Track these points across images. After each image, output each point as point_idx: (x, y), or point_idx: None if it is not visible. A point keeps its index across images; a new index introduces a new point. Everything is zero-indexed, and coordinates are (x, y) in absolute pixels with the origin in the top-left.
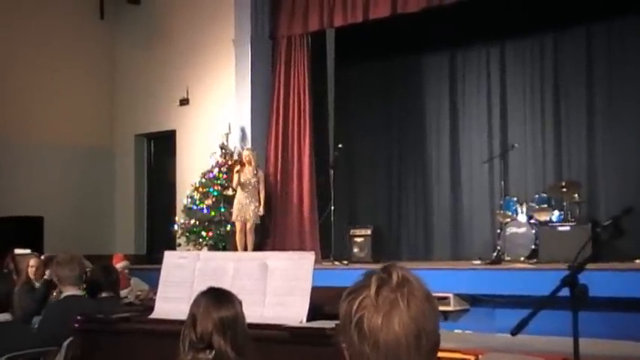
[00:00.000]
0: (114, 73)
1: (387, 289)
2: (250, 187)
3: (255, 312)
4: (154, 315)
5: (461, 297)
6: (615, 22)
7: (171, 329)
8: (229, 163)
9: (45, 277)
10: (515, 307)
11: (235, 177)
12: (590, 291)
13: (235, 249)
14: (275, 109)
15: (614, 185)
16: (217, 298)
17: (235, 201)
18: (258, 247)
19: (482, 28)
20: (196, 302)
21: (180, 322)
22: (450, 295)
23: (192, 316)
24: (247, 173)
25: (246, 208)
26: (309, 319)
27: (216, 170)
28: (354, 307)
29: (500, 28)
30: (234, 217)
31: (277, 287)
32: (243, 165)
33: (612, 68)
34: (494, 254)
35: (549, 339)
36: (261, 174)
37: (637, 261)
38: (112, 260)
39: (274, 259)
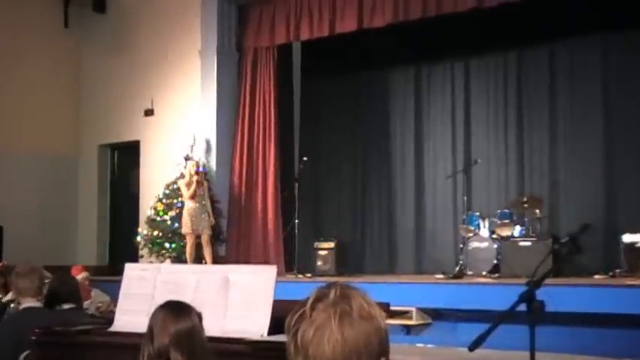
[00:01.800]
0: (79, 82)
1: (322, 305)
2: (200, 198)
3: (216, 325)
4: (114, 328)
5: (423, 311)
6: (576, 41)
7: (130, 342)
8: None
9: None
10: (477, 322)
11: (192, 187)
12: (550, 306)
13: (199, 261)
14: (240, 121)
15: (574, 201)
16: (175, 311)
17: (185, 213)
18: (221, 259)
19: (447, 44)
20: (154, 315)
21: (140, 335)
22: (413, 309)
23: (150, 329)
24: (197, 184)
25: (198, 219)
26: (270, 333)
27: (180, 182)
28: (293, 319)
29: (464, 45)
30: (185, 230)
31: (239, 300)
32: (197, 175)
33: (573, 86)
34: (457, 269)
35: (508, 353)
36: (206, 184)
37: (596, 276)
38: (71, 271)
39: (236, 272)
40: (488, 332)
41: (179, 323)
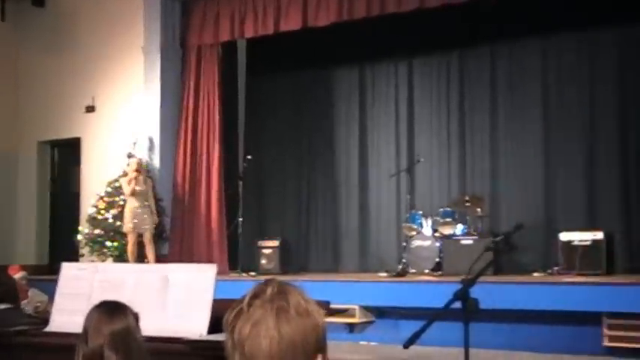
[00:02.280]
0: (17, 77)
1: (259, 301)
2: (142, 196)
3: (155, 325)
4: (50, 328)
5: (366, 309)
6: (516, 43)
7: (66, 343)
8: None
9: None
10: (419, 319)
11: (132, 184)
12: (490, 303)
13: (141, 260)
14: (184, 118)
15: (515, 200)
16: (110, 311)
17: (127, 211)
18: (164, 258)
19: (391, 43)
20: (88, 316)
21: (76, 336)
22: (356, 307)
23: (85, 330)
24: (139, 182)
25: (141, 218)
26: (210, 332)
27: (122, 180)
28: (231, 316)
29: (408, 44)
30: (127, 229)
31: (178, 300)
32: (138, 172)
33: (513, 87)
34: (400, 267)
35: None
36: (149, 182)
37: (535, 274)
38: (8, 271)
39: (175, 271)
40: (423, 330)
41: (114, 324)
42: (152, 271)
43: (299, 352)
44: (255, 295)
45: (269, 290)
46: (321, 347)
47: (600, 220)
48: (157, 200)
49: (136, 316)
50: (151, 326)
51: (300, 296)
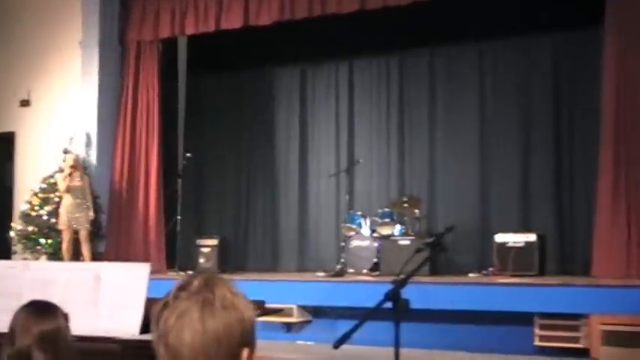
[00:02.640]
0: None
1: (185, 293)
2: (78, 193)
3: (86, 324)
4: None
5: (304, 308)
6: (454, 46)
7: None
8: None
9: None
10: (356, 319)
11: (67, 180)
12: (425, 303)
13: (76, 257)
14: (123, 115)
15: (452, 202)
16: (38, 311)
17: (62, 208)
18: (100, 256)
19: (332, 43)
20: (15, 316)
21: (2, 335)
22: (293, 307)
23: (11, 330)
24: (75, 177)
25: (77, 215)
26: (143, 332)
27: (57, 176)
28: (158, 308)
29: (349, 45)
30: (62, 226)
31: (110, 299)
32: (75, 168)
33: (451, 89)
34: (338, 267)
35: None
36: (86, 178)
37: (470, 275)
38: None
39: (108, 269)
40: (353, 330)
41: (43, 324)
42: (84, 269)
43: (223, 346)
44: (182, 287)
45: (195, 282)
46: (247, 341)
47: (534, 222)
48: (94, 197)
49: (66, 317)
50: (82, 326)
51: (227, 289)
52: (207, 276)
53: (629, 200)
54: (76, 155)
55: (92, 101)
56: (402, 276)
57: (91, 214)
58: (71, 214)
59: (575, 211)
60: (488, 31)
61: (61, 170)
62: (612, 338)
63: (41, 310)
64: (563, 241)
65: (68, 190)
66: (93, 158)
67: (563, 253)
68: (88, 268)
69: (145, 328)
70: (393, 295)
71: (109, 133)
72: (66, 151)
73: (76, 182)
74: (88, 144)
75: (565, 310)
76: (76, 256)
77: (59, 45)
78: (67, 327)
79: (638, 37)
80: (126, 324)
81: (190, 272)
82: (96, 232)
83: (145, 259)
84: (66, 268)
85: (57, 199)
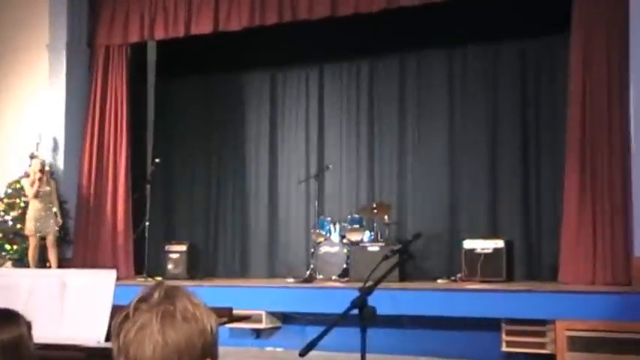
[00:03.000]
0: None
1: (146, 305)
2: (45, 198)
3: (51, 332)
4: None
5: (273, 315)
6: (424, 52)
7: None
8: (34, 172)
9: None
10: (325, 325)
11: (35, 186)
12: (394, 309)
13: (43, 263)
14: (90, 119)
15: (421, 208)
16: (0, 319)
17: (29, 213)
18: (67, 261)
19: (302, 49)
20: None
21: None
22: (262, 313)
23: None
24: (43, 183)
25: (44, 220)
26: (108, 339)
27: (24, 181)
28: (118, 320)
29: (319, 51)
30: (29, 231)
31: (75, 306)
32: (42, 173)
33: (421, 96)
34: (307, 273)
35: (343, 355)
36: (53, 183)
37: (439, 281)
38: None
39: (73, 276)
40: (320, 338)
41: (4, 332)
42: (49, 276)
43: (185, 358)
44: (142, 299)
45: (156, 294)
46: (209, 353)
47: (501, 228)
48: (61, 202)
49: (28, 325)
50: (46, 333)
51: (188, 300)
52: (167, 287)
53: (594, 207)
54: (43, 160)
55: (59, 105)
56: (369, 283)
57: (59, 219)
58: (39, 220)
59: (541, 217)
60: (457, 38)
61: (27, 175)
62: (578, 343)
63: (2, 318)
64: (531, 247)
65: (37, 195)
66: (60, 162)
67: (531, 259)
68: (53, 274)
69: (111, 335)
70: (360, 303)
71: (77, 137)
72: (32, 156)
73: (44, 188)
74: (55, 148)
75: (531, 316)
76: (42, 262)
77: (27, 47)
78: (30, 335)
79: (602, 44)
80: (91, 331)
81: (159, 278)
82: (63, 237)
83: (113, 265)
84: (30, 274)
85: (23, 205)
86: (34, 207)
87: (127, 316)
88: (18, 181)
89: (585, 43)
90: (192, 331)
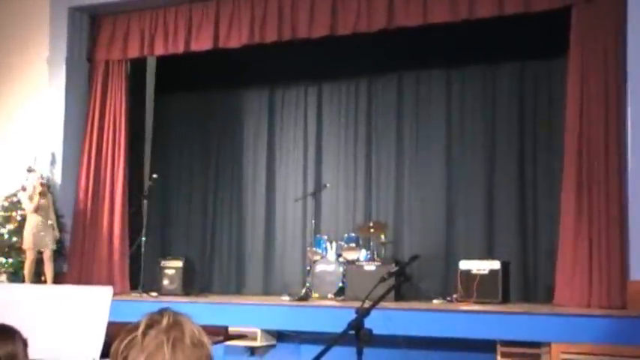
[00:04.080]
0: None
1: (154, 331)
2: (43, 212)
3: (45, 349)
4: None
5: (268, 332)
6: (422, 73)
7: None
8: (33, 187)
9: None
10: (320, 343)
11: (35, 199)
12: (389, 329)
13: (38, 277)
14: (89, 134)
15: (418, 228)
16: None
17: (27, 227)
18: (63, 276)
19: (301, 67)
20: None
21: None
22: (258, 331)
23: None
24: (42, 197)
25: (43, 235)
26: (103, 356)
27: (21, 194)
28: (122, 346)
29: (318, 69)
30: (26, 245)
31: (71, 323)
32: (43, 187)
33: (419, 115)
34: (303, 291)
35: None
36: (50, 197)
37: (435, 301)
38: None
39: (70, 292)
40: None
41: (0, 348)
42: (45, 292)
43: None
44: (150, 325)
45: (165, 321)
46: None
47: (498, 249)
48: (58, 216)
49: (24, 342)
50: (41, 350)
51: (194, 326)
52: (174, 313)
53: (590, 230)
54: (40, 175)
55: (58, 120)
56: (366, 304)
57: (57, 233)
58: (37, 234)
59: (538, 239)
60: (455, 58)
61: (24, 189)
62: None
63: None
64: (527, 268)
65: (37, 209)
66: (57, 177)
67: (527, 281)
68: (48, 291)
69: (106, 352)
70: (356, 325)
71: (75, 151)
72: (30, 170)
73: (41, 201)
74: (53, 162)
75: (527, 338)
76: (37, 276)
77: (26, 62)
78: (25, 352)
79: (600, 66)
80: (86, 349)
81: (154, 294)
82: (59, 251)
83: (109, 280)
84: (26, 290)
85: (19, 218)
86: (33, 221)
87: (133, 342)
88: (15, 195)
89: (582, 65)
90: (201, 356)
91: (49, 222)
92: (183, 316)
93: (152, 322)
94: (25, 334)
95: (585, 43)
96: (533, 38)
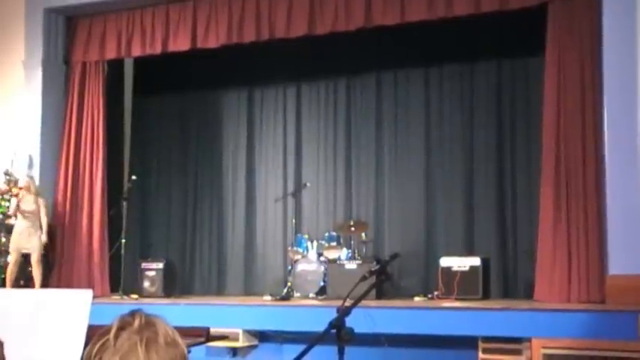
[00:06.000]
0: None
1: (127, 332)
2: (31, 216)
3: (23, 354)
4: None
5: (250, 333)
6: (401, 71)
7: None
8: (12, 190)
9: None
10: (302, 343)
11: (13, 202)
12: (371, 327)
13: (17, 280)
14: (66, 136)
15: (398, 226)
16: None
17: (15, 231)
18: (44, 279)
19: (280, 67)
20: None
21: None
22: (239, 331)
23: None
24: (27, 201)
25: (28, 238)
26: None
27: (12, 199)
28: (95, 349)
29: (297, 69)
30: (12, 248)
31: (50, 326)
32: (28, 190)
33: (398, 114)
34: (285, 290)
35: None
36: (41, 201)
37: (416, 299)
38: None
39: (48, 296)
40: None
41: None
42: (23, 295)
43: None
44: (122, 327)
45: (136, 322)
46: None
47: (478, 246)
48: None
49: (1, 345)
50: (18, 355)
51: (167, 326)
52: (146, 314)
53: (569, 226)
54: (31, 177)
55: (35, 122)
56: (348, 303)
57: (44, 237)
58: (22, 236)
59: (517, 235)
60: (434, 57)
61: (1, 192)
62: None
63: None
64: (507, 265)
65: (16, 213)
66: (35, 180)
67: (507, 277)
68: (27, 294)
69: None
70: (337, 324)
71: (53, 153)
72: (7, 173)
73: (29, 206)
74: (30, 165)
75: (508, 334)
76: (18, 280)
77: (2, 63)
78: (3, 356)
79: (576, 65)
80: (65, 352)
81: (134, 296)
82: (47, 255)
83: (89, 282)
84: (4, 293)
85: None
86: (20, 224)
87: (105, 345)
88: None
89: (559, 63)
90: (175, 355)
91: (38, 226)
92: (155, 316)
93: (124, 324)
94: (2, 337)
95: (562, 40)
96: (511, 36)
